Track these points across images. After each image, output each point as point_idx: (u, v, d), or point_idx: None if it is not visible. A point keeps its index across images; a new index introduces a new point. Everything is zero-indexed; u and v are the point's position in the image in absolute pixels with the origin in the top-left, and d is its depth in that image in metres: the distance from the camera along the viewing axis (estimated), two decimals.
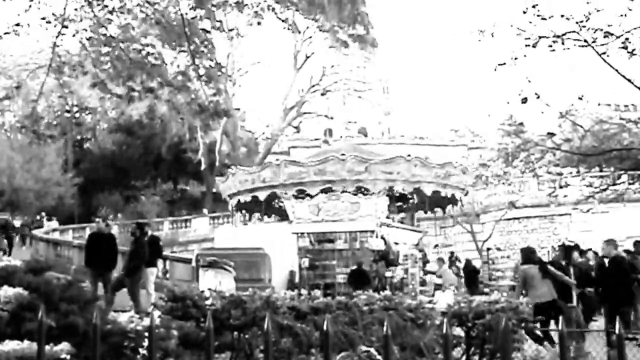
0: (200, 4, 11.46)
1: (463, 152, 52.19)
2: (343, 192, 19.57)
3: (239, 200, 22.44)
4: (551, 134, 25.15)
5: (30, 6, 11.02)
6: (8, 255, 20.41)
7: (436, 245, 33.73)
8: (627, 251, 12.11)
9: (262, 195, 21.22)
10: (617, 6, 11.27)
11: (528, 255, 10.08)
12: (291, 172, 20.42)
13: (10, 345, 3.50)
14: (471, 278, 22.32)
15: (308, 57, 45.87)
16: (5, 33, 11.30)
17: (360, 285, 13.52)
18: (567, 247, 10.54)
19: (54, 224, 34.97)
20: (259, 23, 14.05)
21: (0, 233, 23.57)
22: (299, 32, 40.77)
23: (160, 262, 17.99)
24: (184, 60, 12.12)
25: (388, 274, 17.55)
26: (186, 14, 11.43)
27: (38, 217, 35.02)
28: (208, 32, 12.29)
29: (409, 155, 20.82)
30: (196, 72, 11.71)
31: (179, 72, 12.00)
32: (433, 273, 19.84)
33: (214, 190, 37.30)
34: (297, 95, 48.14)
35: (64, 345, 3.58)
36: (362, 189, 20.12)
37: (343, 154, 20.41)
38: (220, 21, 14.15)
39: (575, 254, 13.29)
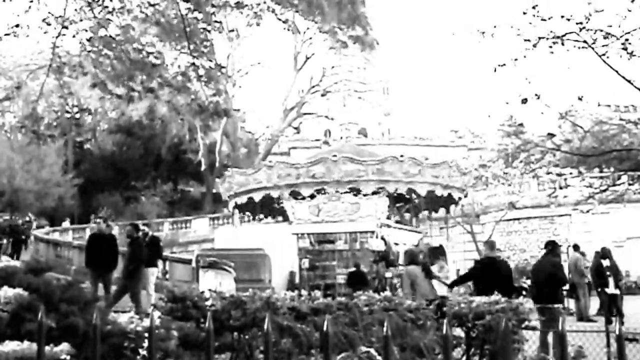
0: (198, 6, 11.45)
1: (463, 153, 52.29)
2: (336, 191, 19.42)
3: (264, 195, 20.87)
4: (551, 135, 25.10)
5: (30, 7, 11.01)
6: (16, 259, 20.34)
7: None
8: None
9: (306, 192, 20.13)
10: (617, 7, 11.28)
11: (412, 257, 10.96)
12: (348, 169, 19.62)
13: (10, 345, 3.51)
14: None
15: (308, 58, 45.88)
16: (6, 34, 11.29)
17: (358, 287, 13.51)
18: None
19: (66, 223, 36.57)
20: (258, 24, 14.01)
21: (8, 237, 23.55)
22: (299, 33, 40.76)
23: (160, 263, 18.00)
24: (184, 60, 12.12)
25: (388, 274, 17.54)
26: (186, 14, 11.42)
27: (27, 219, 35.08)
28: (208, 31, 12.27)
29: (452, 161, 21.05)
30: (196, 73, 11.70)
31: (179, 73, 11.99)
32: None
33: (214, 190, 37.18)
34: (297, 96, 48.17)
35: (64, 346, 3.58)
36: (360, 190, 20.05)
37: (402, 155, 20.16)
38: (220, 22, 14.13)
39: (572, 253, 13.38)
